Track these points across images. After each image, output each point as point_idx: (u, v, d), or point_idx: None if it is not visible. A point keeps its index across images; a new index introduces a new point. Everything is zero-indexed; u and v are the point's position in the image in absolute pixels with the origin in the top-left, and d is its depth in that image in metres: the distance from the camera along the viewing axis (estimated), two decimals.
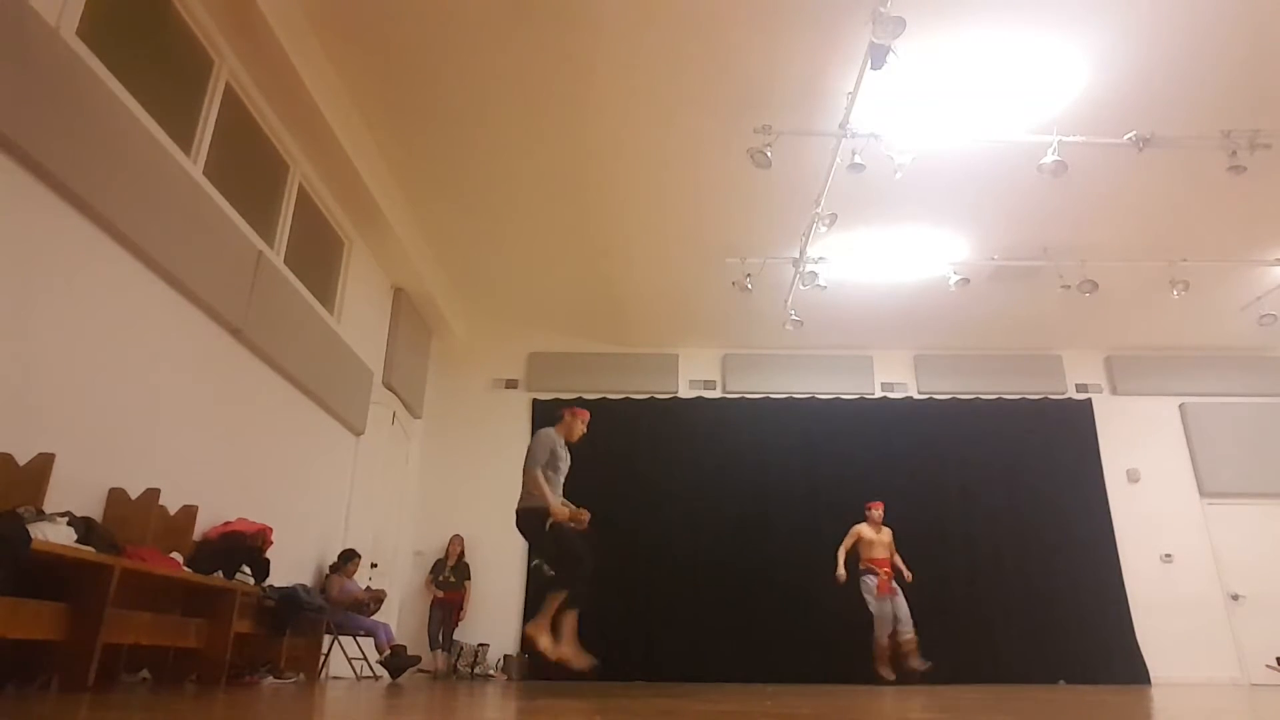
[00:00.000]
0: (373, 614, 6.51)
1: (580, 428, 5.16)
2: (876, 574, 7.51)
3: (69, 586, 3.26)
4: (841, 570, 7.51)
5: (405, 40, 5.40)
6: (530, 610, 7.92)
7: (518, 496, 4.83)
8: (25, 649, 3.17)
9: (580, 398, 9.40)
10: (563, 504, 4.79)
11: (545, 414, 9.34)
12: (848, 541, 7.67)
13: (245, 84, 5.33)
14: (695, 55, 5.43)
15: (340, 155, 6.05)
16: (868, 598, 7.47)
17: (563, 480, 4.97)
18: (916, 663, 7.26)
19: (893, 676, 7.27)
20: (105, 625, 3.31)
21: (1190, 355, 9.75)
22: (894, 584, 7.51)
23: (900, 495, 8.94)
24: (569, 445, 5.09)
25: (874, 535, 7.65)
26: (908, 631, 7.35)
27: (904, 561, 7.70)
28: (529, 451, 4.84)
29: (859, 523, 7.77)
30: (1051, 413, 9.49)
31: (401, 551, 8.54)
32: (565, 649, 4.61)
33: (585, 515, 4.81)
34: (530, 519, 4.76)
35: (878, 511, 7.77)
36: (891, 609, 7.41)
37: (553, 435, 4.98)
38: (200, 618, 4.32)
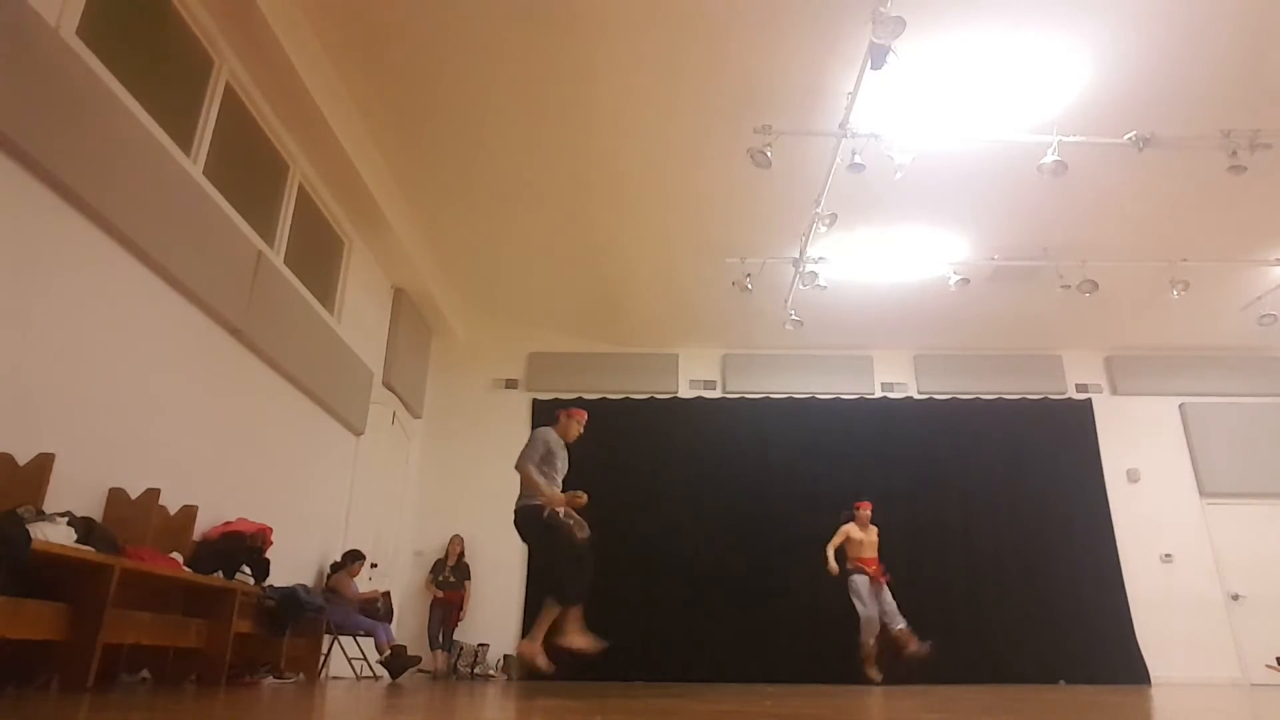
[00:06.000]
0: (385, 615, 6.49)
1: (576, 428, 5.08)
2: (866, 573, 7.46)
3: (69, 586, 3.26)
4: (833, 564, 7.45)
5: (406, 40, 5.41)
6: (530, 610, 7.93)
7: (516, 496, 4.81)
8: (25, 649, 3.17)
9: (580, 398, 9.40)
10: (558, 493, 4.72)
11: (545, 414, 9.27)
12: (836, 540, 7.60)
13: (245, 84, 5.33)
14: (695, 55, 5.43)
15: (340, 155, 6.05)
16: (856, 601, 7.40)
17: (560, 480, 4.89)
18: (916, 647, 7.09)
19: (879, 678, 7.21)
20: (105, 625, 3.31)
21: (1190, 355, 9.74)
22: (884, 574, 7.48)
23: (900, 495, 8.96)
24: (566, 446, 5.03)
25: (862, 535, 7.60)
26: (899, 623, 7.27)
27: (883, 565, 7.56)
28: (524, 449, 4.79)
29: (847, 522, 7.70)
30: (1051, 413, 9.49)
31: (401, 551, 8.54)
32: (575, 638, 4.59)
33: (582, 498, 4.68)
34: (529, 517, 4.68)
35: (866, 511, 7.71)
36: (878, 604, 7.35)
37: (550, 434, 4.91)
38: (200, 618, 4.33)
